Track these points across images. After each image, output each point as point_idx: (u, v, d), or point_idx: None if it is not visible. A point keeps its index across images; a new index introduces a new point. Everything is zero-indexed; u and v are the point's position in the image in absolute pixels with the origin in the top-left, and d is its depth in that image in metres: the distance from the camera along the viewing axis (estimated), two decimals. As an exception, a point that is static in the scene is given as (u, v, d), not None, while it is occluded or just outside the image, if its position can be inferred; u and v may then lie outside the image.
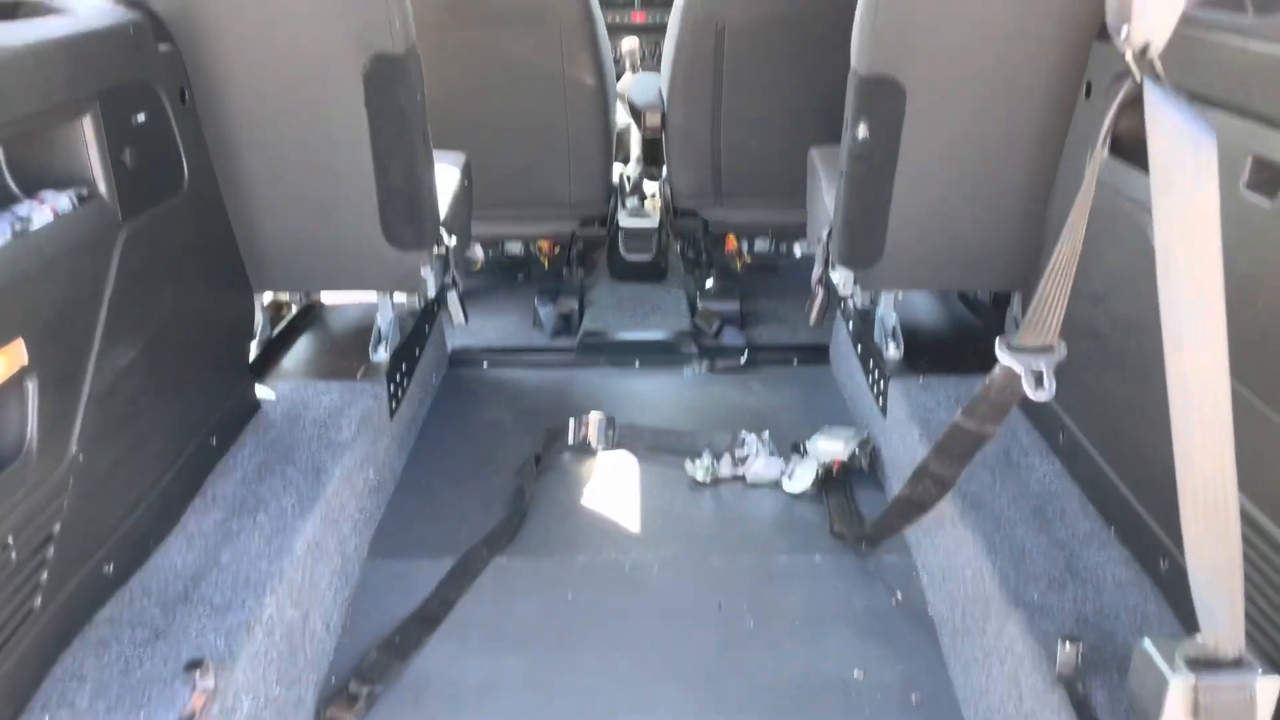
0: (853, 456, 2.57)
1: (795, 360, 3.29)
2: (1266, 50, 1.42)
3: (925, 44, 2.14)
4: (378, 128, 2.23)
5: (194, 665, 1.48)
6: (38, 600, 1.48)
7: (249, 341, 2.46)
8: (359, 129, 2.23)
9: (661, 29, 4.11)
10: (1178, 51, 1.60)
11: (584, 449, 2.76)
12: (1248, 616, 1.36)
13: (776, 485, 2.56)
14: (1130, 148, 1.27)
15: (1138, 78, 1.16)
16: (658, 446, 2.75)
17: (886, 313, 2.67)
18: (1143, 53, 1.16)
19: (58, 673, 1.51)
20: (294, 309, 2.94)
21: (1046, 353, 1.43)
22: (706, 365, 3.26)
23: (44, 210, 1.54)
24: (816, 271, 2.72)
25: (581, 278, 3.78)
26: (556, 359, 3.31)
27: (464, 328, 2.94)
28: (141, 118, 1.83)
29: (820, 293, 2.74)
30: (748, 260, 3.92)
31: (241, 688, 1.57)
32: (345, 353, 2.69)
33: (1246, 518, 1.40)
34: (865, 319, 2.81)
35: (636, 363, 3.28)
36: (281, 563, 1.80)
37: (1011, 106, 2.20)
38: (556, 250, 3.88)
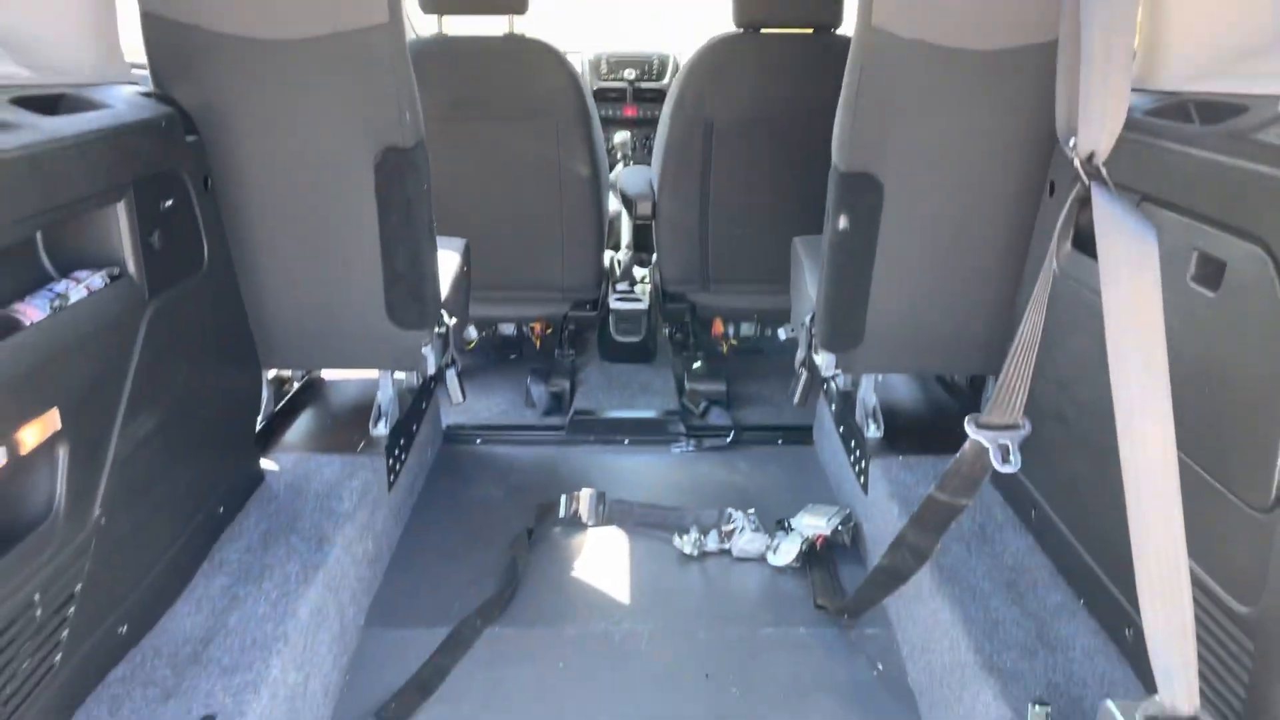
0: (835, 532, 2.66)
1: (780, 440, 3.39)
2: (1209, 157, 1.57)
3: (900, 143, 2.30)
4: (386, 215, 2.36)
5: (205, 722, 1.54)
6: (58, 657, 1.54)
7: (255, 415, 2.55)
8: (368, 216, 2.36)
9: (652, 123, 4.32)
10: (1131, 157, 1.77)
11: (575, 524, 2.84)
12: (1203, 677, 1.45)
13: (761, 559, 2.64)
14: (1091, 242, 1.41)
15: (1085, 182, 1.30)
16: (647, 522, 2.83)
17: (867, 394, 2.79)
18: (1089, 159, 1.30)
19: None
20: (296, 385, 3.04)
21: (1012, 429, 1.55)
22: (694, 444, 3.36)
23: (79, 288, 1.65)
24: (800, 355, 2.84)
25: (573, 358, 3.90)
26: (548, 436, 3.41)
27: (461, 404, 3.03)
28: (169, 203, 1.95)
29: (804, 374, 2.86)
30: (734, 343, 4.05)
31: (247, 748, 1.63)
32: (345, 427, 2.78)
33: (1198, 584, 1.50)
34: (847, 400, 2.93)
35: (625, 441, 3.38)
36: (286, 626, 1.87)
37: (981, 202, 2.36)
38: (548, 331, 4.01)
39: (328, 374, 3.16)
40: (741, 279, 3.66)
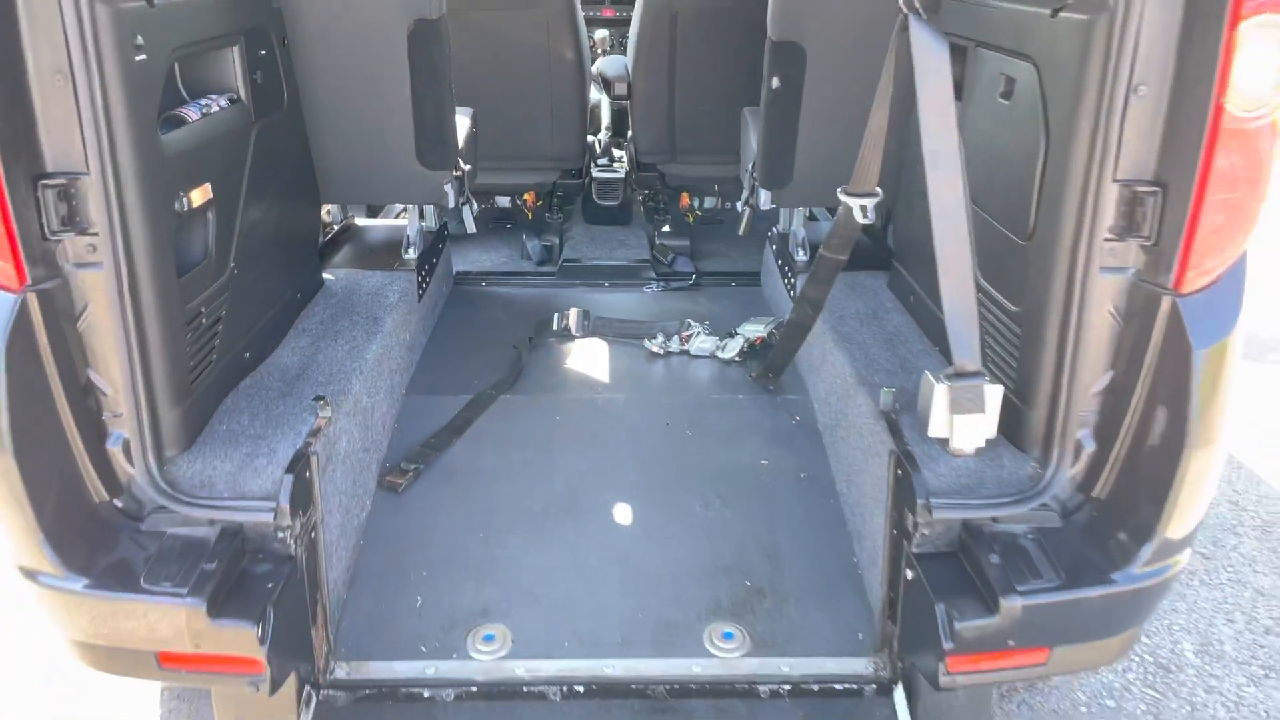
0: (770, 334, 3.39)
1: (733, 283, 4.10)
2: (1009, 6, 2.25)
3: (818, 16, 2.97)
4: (416, 76, 3.00)
5: (319, 399, 2.25)
6: (214, 356, 2.24)
7: (317, 235, 3.23)
8: (402, 77, 3.00)
9: (626, 23, 4.95)
10: (967, 16, 2.44)
11: (565, 335, 3.55)
12: (990, 358, 2.18)
13: (712, 356, 3.37)
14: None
15: (905, 12, 1.98)
16: (623, 334, 3.54)
17: (797, 228, 3.49)
18: (909, -2, 1.98)
19: (221, 410, 2.27)
20: (334, 227, 3.71)
21: (870, 196, 2.26)
22: (662, 285, 4.06)
23: (214, 105, 2.31)
24: (745, 195, 3.54)
25: (561, 221, 4.58)
26: (542, 280, 4.11)
27: (474, 234, 3.70)
28: (263, 52, 2.60)
29: (748, 211, 3.55)
30: (698, 213, 4.75)
31: (341, 430, 2.34)
32: (380, 255, 3.45)
33: (987, 294, 2.22)
34: (784, 239, 3.63)
35: (606, 284, 4.08)
36: (358, 363, 2.57)
37: (882, 63, 3.02)
38: (538, 203, 4.68)
39: (359, 221, 3.83)
40: (704, 149, 4.33)
